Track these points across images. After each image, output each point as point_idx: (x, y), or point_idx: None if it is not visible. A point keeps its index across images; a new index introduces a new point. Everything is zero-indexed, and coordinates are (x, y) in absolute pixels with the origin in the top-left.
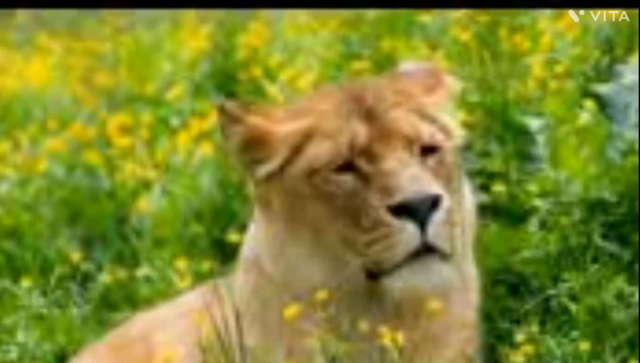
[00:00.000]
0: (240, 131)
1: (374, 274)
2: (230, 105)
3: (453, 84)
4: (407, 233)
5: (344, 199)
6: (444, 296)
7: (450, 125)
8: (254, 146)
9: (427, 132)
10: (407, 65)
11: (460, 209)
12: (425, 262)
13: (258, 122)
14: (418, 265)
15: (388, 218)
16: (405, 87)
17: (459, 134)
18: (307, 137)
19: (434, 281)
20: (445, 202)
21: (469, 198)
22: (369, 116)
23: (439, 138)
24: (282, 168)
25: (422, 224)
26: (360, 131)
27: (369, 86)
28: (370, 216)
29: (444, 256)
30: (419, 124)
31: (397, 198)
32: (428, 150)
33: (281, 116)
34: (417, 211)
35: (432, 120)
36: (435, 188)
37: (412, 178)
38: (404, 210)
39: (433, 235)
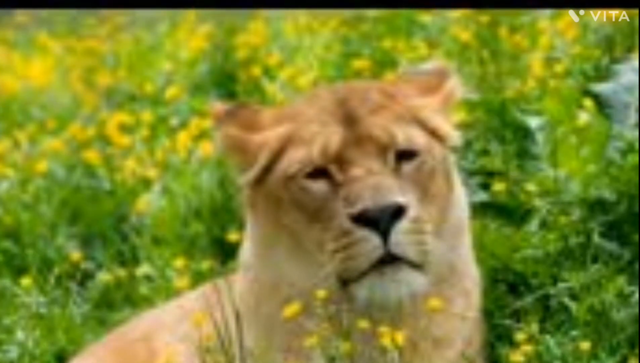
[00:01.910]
0: (220, 138)
1: (345, 280)
2: (216, 109)
3: (455, 86)
4: (369, 242)
5: (317, 206)
6: (446, 298)
7: (443, 128)
8: (234, 154)
9: (402, 137)
10: (425, 65)
11: (452, 212)
12: (391, 271)
13: (234, 133)
14: (384, 273)
15: (350, 227)
16: (399, 90)
17: (454, 137)
18: (287, 143)
19: (401, 289)
20: (412, 211)
21: (462, 199)
22: (348, 121)
23: (418, 142)
24: (264, 173)
25: (385, 233)
26: (334, 137)
27: (357, 89)
28: (336, 224)
29: (413, 265)
30: (395, 129)
31: (358, 207)
32: (405, 155)
33: (263, 123)
34: (378, 220)
35: (421, 123)
36: (399, 197)
37: (375, 187)
38: (364, 220)
39: (396, 244)
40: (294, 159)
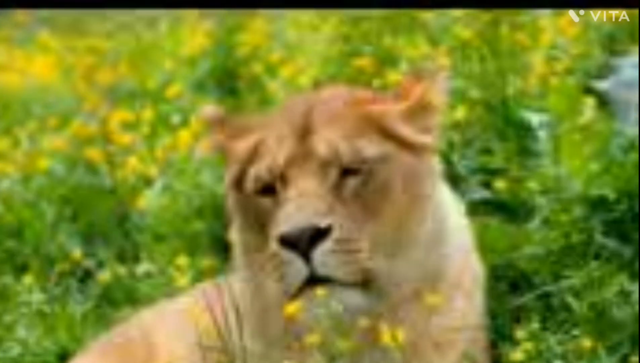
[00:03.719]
0: (210, 141)
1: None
2: (207, 113)
3: (427, 90)
4: (292, 264)
5: (263, 223)
6: (448, 297)
7: (408, 136)
8: (223, 158)
9: (348, 152)
10: (425, 65)
11: (428, 217)
12: (321, 291)
13: (219, 138)
14: (313, 293)
15: (277, 249)
16: (369, 96)
17: (422, 143)
18: (253, 155)
19: (333, 308)
20: (337, 232)
21: (443, 200)
22: (303, 134)
23: (370, 155)
24: (237, 182)
25: (307, 255)
26: (281, 153)
27: (325, 98)
28: (269, 245)
29: (348, 284)
30: (341, 143)
31: (281, 230)
32: (351, 171)
33: (247, 130)
34: (298, 243)
35: (384, 132)
36: (323, 219)
37: (299, 208)
38: (286, 242)
39: (321, 265)
40: (251, 173)
